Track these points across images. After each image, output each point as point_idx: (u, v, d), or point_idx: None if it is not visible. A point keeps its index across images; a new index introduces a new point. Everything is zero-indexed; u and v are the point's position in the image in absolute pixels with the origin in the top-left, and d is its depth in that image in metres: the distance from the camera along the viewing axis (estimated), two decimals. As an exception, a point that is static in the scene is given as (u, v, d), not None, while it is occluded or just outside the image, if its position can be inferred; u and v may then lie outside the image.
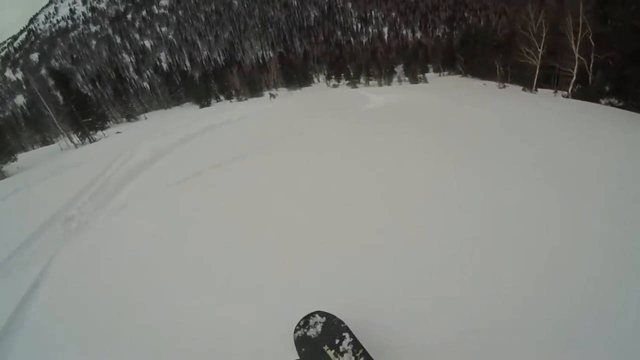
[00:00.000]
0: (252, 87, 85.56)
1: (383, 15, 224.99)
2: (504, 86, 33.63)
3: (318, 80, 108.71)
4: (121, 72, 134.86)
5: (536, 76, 34.53)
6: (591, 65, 25.03)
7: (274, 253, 5.52)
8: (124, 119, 76.58)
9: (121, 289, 5.38)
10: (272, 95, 58.80)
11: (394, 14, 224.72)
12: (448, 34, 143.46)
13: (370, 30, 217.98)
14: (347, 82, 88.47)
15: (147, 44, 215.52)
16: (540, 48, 34.99)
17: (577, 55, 25.78)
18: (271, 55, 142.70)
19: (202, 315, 4.45)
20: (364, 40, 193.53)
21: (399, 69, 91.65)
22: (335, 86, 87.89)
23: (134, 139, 22.62)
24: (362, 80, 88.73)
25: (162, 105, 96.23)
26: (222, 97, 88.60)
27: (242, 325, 4.11)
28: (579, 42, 25.15)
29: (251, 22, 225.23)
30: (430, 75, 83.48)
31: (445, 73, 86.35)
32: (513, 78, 54.89)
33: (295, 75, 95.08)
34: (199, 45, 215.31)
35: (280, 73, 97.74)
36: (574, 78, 26.26)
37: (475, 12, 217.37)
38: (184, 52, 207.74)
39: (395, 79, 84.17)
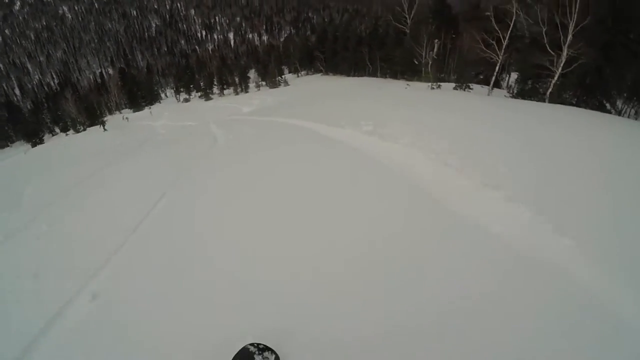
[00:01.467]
0: (91, 112, 71.79)
1: (228, 21, 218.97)
2: (439, 86, 26.51)
3: (166, 95, 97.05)
4: None
5: (496, 72, 27.72)
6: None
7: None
8: None
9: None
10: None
11: (238, 18, 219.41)
12: (301, 32, 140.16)
13: (216, 36, 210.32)
14: (200, 94, 78.69)
15: None
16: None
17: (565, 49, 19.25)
18: (111, 72, 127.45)
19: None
20: (210, 48, 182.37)
21: (252, 74, 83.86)
22: (186, 100, 77.32)
23: None
24: (215, 90, 79.10)
25: None
26: (57, 130, 74.45)
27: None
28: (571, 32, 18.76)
29: (87, 37, 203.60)
30: (288, 76, 76.20)
31: (303, 73, 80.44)
32: (385, 73, 50.31)
33: (140, 92, 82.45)
34: (29, 68, 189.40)
35: (122, 92, 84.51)
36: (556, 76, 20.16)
37: (318, 11, 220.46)
38: (12, 78, 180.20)
39: (252, 85, 76.90)
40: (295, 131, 12.35)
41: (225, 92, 77.76)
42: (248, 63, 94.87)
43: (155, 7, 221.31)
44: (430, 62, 36.13)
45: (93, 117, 70.30)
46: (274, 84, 68.89)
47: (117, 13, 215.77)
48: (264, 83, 75.10)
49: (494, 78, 27.36)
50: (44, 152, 39.82)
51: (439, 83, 26.72)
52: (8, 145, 76.37)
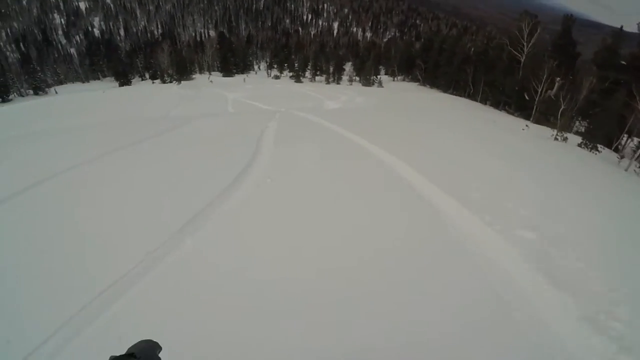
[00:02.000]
0: (181, 67, 71.92)
1: (335, 10, 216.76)
2: (565, 138, 21.62)
3: (259, 68, 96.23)
4: (49, 34, 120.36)
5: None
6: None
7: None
8: (31, 91, 64.20)
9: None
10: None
11: (346, 10, 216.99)
12: (406, 37, 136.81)
13: (321, 23, 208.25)
14: (291, 74, 77.17)
15: (82, 5, 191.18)
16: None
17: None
18: (212, 35, 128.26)
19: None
20: (313, 32, 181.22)
21: (348, 66, 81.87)
22: (277, 77, 76.19)
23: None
24: (307, 74, 77.47)
25: (79, 77, 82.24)
26: (147, 76, 75.65)
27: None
28: None
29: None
30: (383, 78, 72.86)
31: (399, 78, 76.67)
32: (486, 99, 46.62)
33: (233, 59, 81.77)
34: (138, 14, 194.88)
35: (217, 55, 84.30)
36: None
37: (427, 20, 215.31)
38: (120, 19, 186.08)
39: (345, 78, 74.13)
40: (383, 177, 8.56)
41: (317, 78, 76.04)
42: (346, 55, 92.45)
43: None
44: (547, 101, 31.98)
45: (182, 71, 70.19)
46: (367, 82, 66.34)
47: None
48: (357, 78, 72.59)
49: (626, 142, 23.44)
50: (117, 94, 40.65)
51: (565, 135, 21.76)
52: (99, 79, 78.52)
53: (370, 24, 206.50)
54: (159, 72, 71.33)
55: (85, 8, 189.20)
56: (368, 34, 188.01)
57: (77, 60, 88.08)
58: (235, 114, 20.37)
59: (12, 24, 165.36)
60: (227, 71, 78.39)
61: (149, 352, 1.95)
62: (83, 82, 78.23)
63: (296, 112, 18.70)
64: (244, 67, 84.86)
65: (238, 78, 70.82)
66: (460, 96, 51.55)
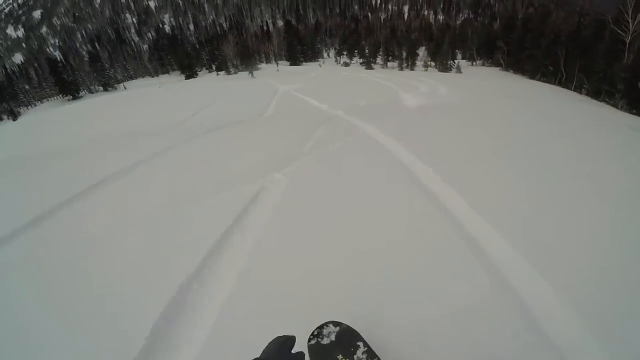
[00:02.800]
0: (247, 58, 69.34)
1: None
2: None
3: (328, 55, 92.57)
4: (122, 33, 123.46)
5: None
6: None
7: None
8: (101, 88, 67.08)
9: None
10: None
11: None
12: (481, 19, 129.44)
13: (390, 7, 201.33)
14: (362, 61, 72.84)
15: (152, 4, 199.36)
16: None
17: None
18: (281, 24, 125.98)
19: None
20: (383, 17, 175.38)
21: (421, 51, 77.01)
22: (346, 65, 72.09)
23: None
24: (379, 60, 73.04)
25: (149, 72, 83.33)
26: (214, 68, 73.66)
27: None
28: None
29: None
30: (462, 63, 66.89)
31: (478, 62, 71.15)
32: (582, 87, 40.67)
33: (301, 48, 78.23)
34: (206, 8, 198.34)
35: (283, 44, 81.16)
36: None
37: (502, 0, 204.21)
38: (189, 15, 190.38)
39: (420, 64, 69.40)
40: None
41: (389, 64, 71.34)
42: (419, 39, 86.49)
43: None
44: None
45: (247, 62, 67.68)
46: (444, 68, 61.43)
47: None
48: (432, 64, 67.95)
49: None
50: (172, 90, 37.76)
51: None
52: (168, 73, 78.12)
53: (442, 6, 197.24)
54: (224, 64, 68.70)
55: (155, 6, 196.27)
56: (440, 17, 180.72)
57: (147, 56, 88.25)
58: (270, 119, 15.01)
59: (86, 26, 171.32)
60: (294, 60, 74.92)
61: (276, 351, 1.80)
62: (153, 77, 78.16)
63: (359, 119, 11.72)
64: (313, 56, 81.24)
65: (306, 67, 67.22)
66: (550, 83, 45.60)
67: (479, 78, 40.46)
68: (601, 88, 37.02)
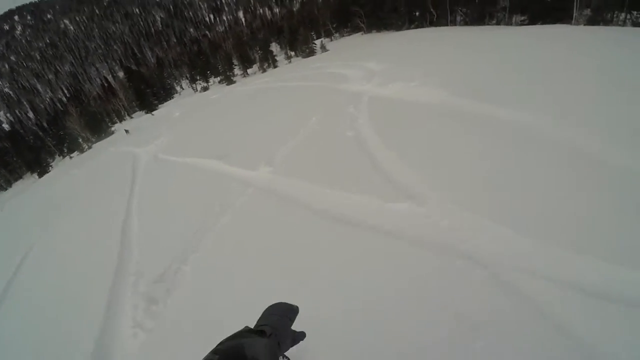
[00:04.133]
0: (95, 125, 59.38)
1: (235, 0, 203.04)
2: None
3: (181, 87, 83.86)
4: None
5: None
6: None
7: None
8: None
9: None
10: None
11: None
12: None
13: (225, 18, 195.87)
14: (219, 78, 66.16)
15: None
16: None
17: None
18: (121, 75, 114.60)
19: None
20: (221, 30, 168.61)
21: (274, 47, 72.19)
22: (205, 89, 64.15)
23: None
24: (236, 71, 66.15)
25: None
26: (65, 151, 61.82)
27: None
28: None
29: (92, 45, 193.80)
30: (319, 41, 61.27)
31: (336, 35, 66.99)
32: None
33: (149, 90, 68.97)
34: (39, 88, 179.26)
35: (129, 94, 71.11)
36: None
37: None
38: (24, 102, 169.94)
39: (281, 57, 64.51)
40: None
41: (249, 71, 64.97)
42: (267, 36, 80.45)
43: (158, 0, 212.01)
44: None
45: (98, 130, 57.99)
46: (309, 52, 56.38)
47: (120, 14, 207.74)
48: (293, 53, 63.02)
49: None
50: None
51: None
52: (21, 178, 63.67)
53: (274, 0, 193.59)
54: (74, 142, 58.11)
55: None
56: (276, 10, 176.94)
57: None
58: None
59: None
60: (148, 106, 65.69)
61: (280, 323, 1.75)
62: (5, 189, 63.61)
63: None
64: (166, 94, 72.45)
65: (163, 109, 58.65)
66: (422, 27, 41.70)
67: (355, 46, 35.37)
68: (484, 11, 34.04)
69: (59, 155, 61.84)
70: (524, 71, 9.87)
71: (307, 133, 10.05)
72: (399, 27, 46.06)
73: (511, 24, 32.47)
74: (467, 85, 9.60)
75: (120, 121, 68.86)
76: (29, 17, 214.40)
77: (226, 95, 33.11)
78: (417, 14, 43.61)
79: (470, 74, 10.87)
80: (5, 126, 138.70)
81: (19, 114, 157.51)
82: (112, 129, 59.61)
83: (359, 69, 17.75)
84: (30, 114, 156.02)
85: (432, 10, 40.07)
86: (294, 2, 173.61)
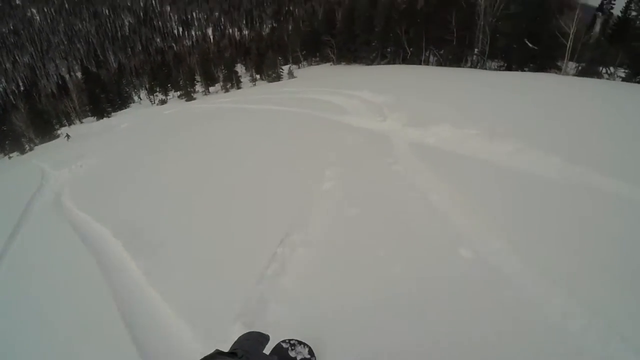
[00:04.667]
0: (42, 125, 54.85)
1: (206, 16, 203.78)
2: None
3: (139, 97, 79.67)
4: None
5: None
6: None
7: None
8: None
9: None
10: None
11: (217, 13, 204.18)
12: (285, 25, 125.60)
13: (194, 33, 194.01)
14: (179, 93, 62.40)
15: None
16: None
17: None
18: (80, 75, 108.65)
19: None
20: (188, 44, 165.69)
21: (239, 68, 68.95)
22: (163, 102, 60.74)
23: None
24: (198, 88, 63.21)
25: None
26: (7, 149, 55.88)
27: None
28: None
29: (56, 39, 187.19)
30: (287, 67, 58.64)
31: (304, 63, 64.71)
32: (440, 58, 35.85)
33: (104, 95, 64.62)
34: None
35: (83, 97, 66.52)
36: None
37: (300, 4, 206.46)
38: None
39: (245, 79, 61.41)
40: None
41: (211, 89, 62.13)
42: (234, 56, 77.66)
43: (129, 4, 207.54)
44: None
45: (44, 131, 53.44)
46: (276, 77, 54.27)
47: (89, 12, 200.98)
48: (258, 76, 60.51)
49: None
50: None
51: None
52: None
53: (244, 22, 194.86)
54: (16, 141, 52.75)
55: None
56: (245, 32, 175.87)
57: None
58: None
59: None
60: (100, 112, 61.31)
61: (252, 347, 1.86)
62: None
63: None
64: (122, 102, 68.28)
65: (114, 118, 54.59)
66: (394, 63, 40.69)
67: (326, 76, 32.63)
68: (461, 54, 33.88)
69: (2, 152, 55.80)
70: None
71: (328, 218, 5.32)
72: (370, 62, 44.87)
73: (486, 68, 31.36)
74: (583, 147, 6.00)
75: (69, 125, 63.81)
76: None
77: (181, 111, 29.96)
78: (390, 49, 42.26)
79: (559, 127, 7.10)
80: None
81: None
82: (58, 132, 55.02)
83: (351, 98, 13.72)
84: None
85: (406, 47, 38.66)
86: (264, 26, 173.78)
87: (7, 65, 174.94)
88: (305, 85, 23.61)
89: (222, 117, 18.11)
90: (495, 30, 29.92)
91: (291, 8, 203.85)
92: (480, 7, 30.48)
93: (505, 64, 30.84)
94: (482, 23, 30.64)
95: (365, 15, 44.48)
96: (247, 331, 1.85)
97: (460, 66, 32.86)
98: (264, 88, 36.50)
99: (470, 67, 33.06)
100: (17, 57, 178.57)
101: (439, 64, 35.92)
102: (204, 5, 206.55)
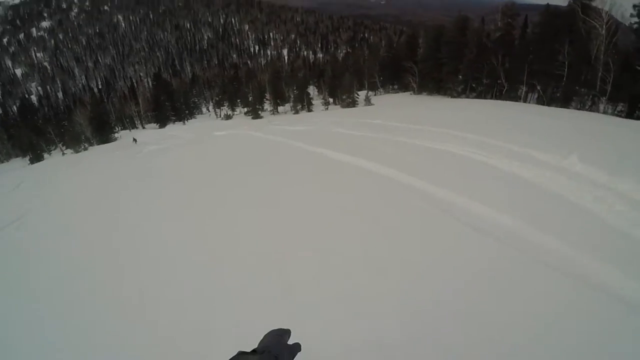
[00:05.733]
0: (100, 127, 53.06)
1: (282, 37, 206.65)
2: None
3: (208, 109, 77.64)
4: None
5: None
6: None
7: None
8: None
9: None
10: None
11: (293, 35, 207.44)
12: (359, 52, 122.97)
13: (269, 52, 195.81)
14: (246, 110, 59.37)
15: (19, 71, 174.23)
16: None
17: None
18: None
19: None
20: (263, 62, 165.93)
21: (310, 90, 65.09)
22: (228, 117, 57.92)
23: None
24: (266, 106, 60.08)
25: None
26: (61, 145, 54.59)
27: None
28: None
29: (137, 45, 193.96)
30: (363, 93, 54.49)
31: (380, 91, 59.52)
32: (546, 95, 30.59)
33: (168, 104, 62.39)
34: (76, 73, 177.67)
35: (150, 103, 64.88)
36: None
37: (375, 31, 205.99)
38: (58, 81, 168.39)
39: (317, 102, 57.84)
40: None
41: (280, 108, 58.76)
42: (307, 77, 73.76)
43: (209, 20, 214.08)
44: None
45: (102, 132, 51.39)
46: (349, 102, 49.79)
47: (171, 24, 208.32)
48: (331, 100, 56.42)
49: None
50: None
51: None
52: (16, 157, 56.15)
53: (319, 45, 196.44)
54: (75, 139, 50.91)
55: (22, 74, 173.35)
56: (320, 55, 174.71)
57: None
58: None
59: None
60: (163, 120, 59.00)
61: (273, 340, 1.75)
62: (2, 162, 55.85)
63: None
64: (189, 111, 66.02)
65: (168, 127, 51.92)
66: (483, 97, 35.81)
67: (418, 107, 26.33)
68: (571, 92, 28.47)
69: (60, 147, 54.11)
70: None
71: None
72: (456, 94, 40.22)
73: (602, 112, 25.92)
74: None
75: (132, 129, 61.92)
76: (87, 3, 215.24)
77: (234, 136, 22.78)
78: (484, 82, 37.15)
79: None
80: (34, 97, 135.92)
81: (49, 90, 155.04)
82: (117, 135, 52.99)
83: (520, 160, 7.54)
84: (60, 94, 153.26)
85: (502, 80, 33.50)
86: (339, 51, 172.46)
87: (90, 64, 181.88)
88: (396, 119, 15.49)
89: (286, 168, 10.56)
90: (626, 66, 24.30)
91: (366, 35, 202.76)
92: (601, 37, 25.48)
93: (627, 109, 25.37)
94: (602, 56, 25.41)
95: (454, 42, 39.84)
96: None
97: (567, 106, 27.64)
98: (338, 114, 30.74)
99: (579, 108, 27.79)
100: (99, 58, 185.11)
101: (541, 102, 30.59)
102: (281, 27, 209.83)
